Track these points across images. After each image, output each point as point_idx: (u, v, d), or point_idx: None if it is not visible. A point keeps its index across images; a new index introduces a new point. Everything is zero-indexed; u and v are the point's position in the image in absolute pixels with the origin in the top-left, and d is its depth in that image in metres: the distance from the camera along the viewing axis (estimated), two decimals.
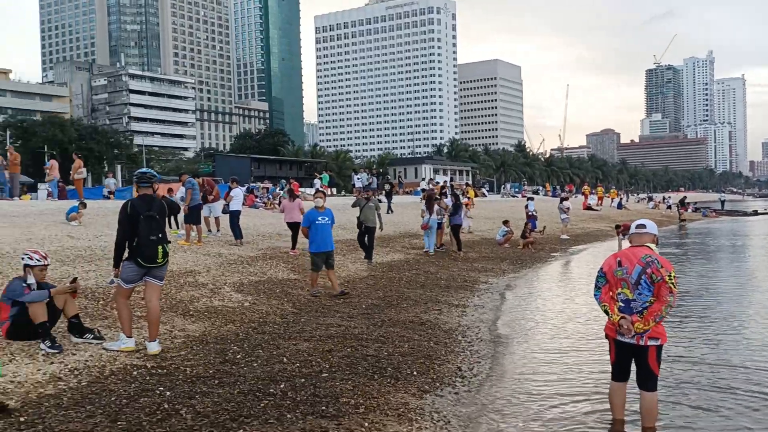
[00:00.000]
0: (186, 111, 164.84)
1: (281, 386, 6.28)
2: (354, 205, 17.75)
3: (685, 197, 50.90)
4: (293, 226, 16.67)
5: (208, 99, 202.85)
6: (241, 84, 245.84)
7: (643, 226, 5.41)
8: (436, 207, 19.80)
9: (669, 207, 55.41)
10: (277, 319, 9.63)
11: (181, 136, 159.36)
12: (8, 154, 23.78)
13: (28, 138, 74.98)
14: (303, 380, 6.51)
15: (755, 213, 60.39)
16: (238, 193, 17.72)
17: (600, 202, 56.90)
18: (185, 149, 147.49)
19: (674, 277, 5.18)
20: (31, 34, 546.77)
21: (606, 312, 5.37)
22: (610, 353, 5.55)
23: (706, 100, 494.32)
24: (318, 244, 11.84)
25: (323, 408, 5.71)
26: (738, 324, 10.53)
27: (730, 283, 15.86)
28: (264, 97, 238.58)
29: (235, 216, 17.20)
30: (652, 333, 5.23)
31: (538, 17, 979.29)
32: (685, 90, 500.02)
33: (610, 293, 5.39)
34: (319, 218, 11.95)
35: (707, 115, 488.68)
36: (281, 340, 8.28)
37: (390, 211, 30.69)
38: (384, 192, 33.91)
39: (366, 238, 16.48)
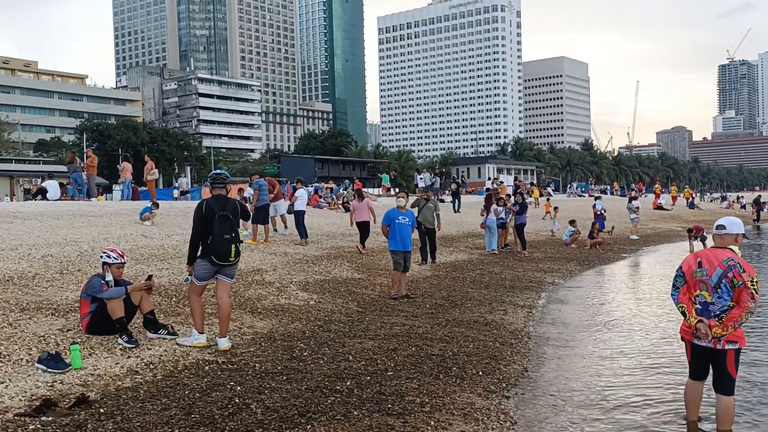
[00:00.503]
0: (252, 113, 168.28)
1: (347, 383, 6.36)
2: (413, 206, 17.49)
3: (760, 196, 48.77)
4: (362, 226, 17.16)
5: (274, 101, 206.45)
6: (306, 86, 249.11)
7: (723, 226, 5.23)
8: (494, 207, 19.60)
9: (743, 207, 53.35)
10: (342, 317, 9.75)
11: (247, 138, 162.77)
12: (86, 156, 24.76)
13: (104, 141, 77.93)
14: (369, 378, 6.58)
15: None
16: (302, 193, 17.99)
17: (673, 201, 55.28)
18: (251, 150, 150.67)
19: (756, 282, 5.00)
20: (105, 41, 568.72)
21: (683, 313, 5.23)
22: (686, 354, 5.41)
23: None
24: (397, 243, 11.85)
25: (389, 406, 5.76)
26: None
27: None
28: (327, 99, 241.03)
29: (300, 216, 17.47)
30: (730, 337, 5.08)
31: (606, 11, 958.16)
32: (760, 85, 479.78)
33: (689, 294, 5.24)
34: (400, 218, 11.99)
35: None
36: (347, 338, 8.38)
37: (457, 211, 30.66)
38: (451, 191, 33.86)
39: (426, 240, 16.15)
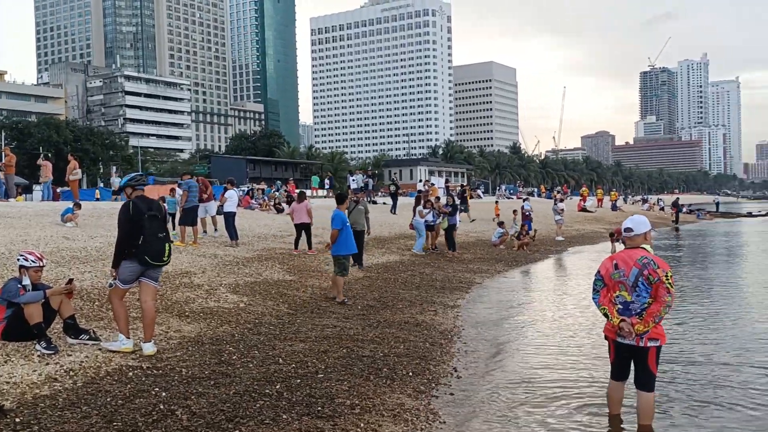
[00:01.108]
0: (181, 112, 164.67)
1: (277, 387, 6.28)
2: None
3: (678, 198, 50.87)
4: (300, 227, 17.09)
5: (204, 101, 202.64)
6: (237, 85, 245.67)
7: (630, 229, 5.42)
8: (418, 208, 19.80)
9: (662, 209, 55.57)
10: (273, 320, 9.63)
11: (176, 138, 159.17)
12: (3, 155, 23.70)
13: (24, 139, 74.75)
14: (299, 381, 6.52)
15: (750, 215, 60.67)
16: (233, 194, 17.70)
17: (600, 203, 57.04)
18: (181, 150, 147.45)
19: (671, 276, 5.21)
20: (26, 36, 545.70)
21: (606, 315, 5.38)
22: (609, 353, 5.56)
23: (701, 102, 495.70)
24: (350, 246, 11.68)
25: (319, 408, 5.72)
26: (731, 323, 10.56)
27: (724, 283, 15.92)
28: (259, 99, 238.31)
29: (230, 217, 17.18)
30: (651, 334, 5.25)
31: (534, 19, 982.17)
32: (679, 92, 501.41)
33: (609, 296, 5.40)
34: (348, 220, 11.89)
35: (701, 118, 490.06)
36: (277, 341, 8.28)
37: (394, 212, 30.81)
38: (389, 193, 33.96)
39: (356, 243, 15.93)
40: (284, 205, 29.18)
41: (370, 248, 19.25)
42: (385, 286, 13.55)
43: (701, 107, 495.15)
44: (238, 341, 8.16)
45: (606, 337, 5.54)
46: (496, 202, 40.48)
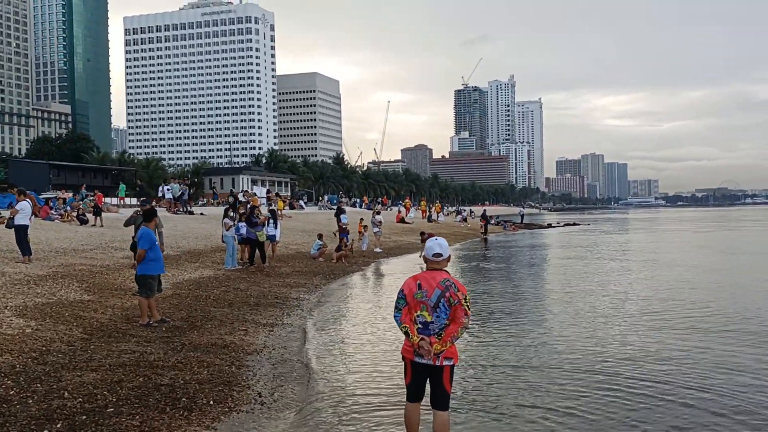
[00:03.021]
0: None
1: (58, 426, 5.68)
2: (127, 224, 13.90)
3: (485, 210, 54.16)
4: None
5: (2, 99, 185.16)
6: (40, 84, 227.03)
7: (440, 254, 5.53)
8: (224, 220, 19.21)
9: (465, 219, 58.92)
10: (63, 346, 8.79)
11: None
12: None
13: None
14: (84, 417, 5.94)
15: (550, 226, 66.21)
16: (25, 205, 16.10)
17: (423, 215, 59.20)
18: None
19: (469, 299, 5.39)
20: None
21: (406, 333, 5.42)
22: (405, 375, 5.59)
23: (509, 120, 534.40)
24: (159, 265, 10.85)
25: None
26: (535, 331, 11.26)
27: (529, 292, 17.04)
28: (66, 100, 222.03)
29: (21, 230, 15.64)
30: (447, 353, 5.37)
31: (359, 33, 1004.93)
32: (489, 110, 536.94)
33: (410, 315, 5.45)
34: (156, 238, 11.04)
35: (509, 135, 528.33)
36: (65, 371, 7.54)
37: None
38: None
39: None
40: (89, 215, 27.19)
41: (183, 263, 18.45)
42: (196, 304, 12.95)
43: (509, 125, 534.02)
44: (19, 373, 7.33)
45: (403, 358, 5.58)
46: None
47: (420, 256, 22.19)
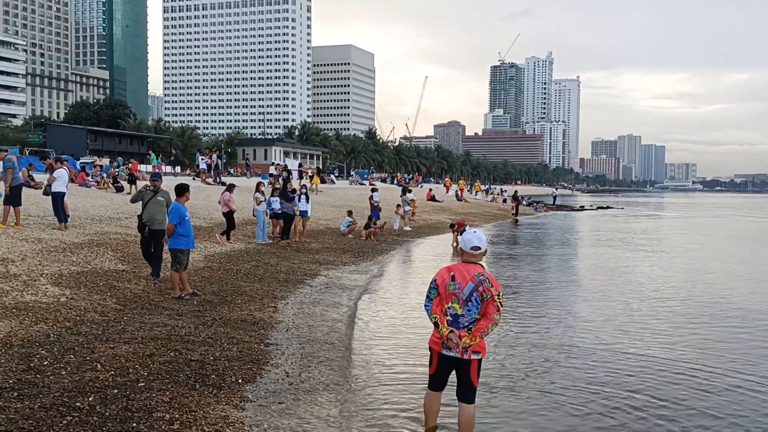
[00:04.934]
0: (15, 74, 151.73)
1: (90, 399, 5.79)
2: (134, 200, 13.09)
3: (517, 191, 53.40)
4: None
5: (42, 63, 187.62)
6: (80, 49, 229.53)
7: (479, 247, 5.47)
8: (256, 194, 19.39)
9: (505, 200, 58.27)
10: (97, 317, 8.96)
11: (8, 102, 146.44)
12: None
13: None
14: (116, 391, 6.05)
15: (582, 209, 65.40)
16: (62, 173, 16.35)
17: (461, 193, 58.76)
18: (13, 116, 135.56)
19: (501, 296, 5.34)
20: None
21: (436, 324, 5.40)
22: (430, 365, 5.61)
23: (545, 98, 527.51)
24: (189, 240, 10.90)
25: (134, 425, 5.30)
26: (558, 317, 11.19)
27: (556, 278, 16.92)
28: (105, 65, 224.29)
29: (58, 198, 15.89)
30: (475, 347, 5.35)
31: (395, 5, 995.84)
32: (526, 87, 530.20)
33: (441, 306, 5.43)
34: (187, 213, 11.03)
35: (545, 113, 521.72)
36: (98, 342, 7.69)
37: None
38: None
39: (152, 246, 12.07)
40: (124, 183, 27.58)
41: (214, 235, 18.62)
42: (227, 277, 13.10)
43: (545, 103, 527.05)
44: (53, 343, 7.49)
45: (430, 348, 5.58)
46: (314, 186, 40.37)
47: (452, 244, 22.18)
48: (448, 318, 5.37)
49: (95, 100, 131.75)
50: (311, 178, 48.12)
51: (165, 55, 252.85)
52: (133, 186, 27.30)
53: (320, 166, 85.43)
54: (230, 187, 19.18)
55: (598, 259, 21.68)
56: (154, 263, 11.98)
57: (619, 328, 10.74)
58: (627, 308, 12.59)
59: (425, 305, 5.51)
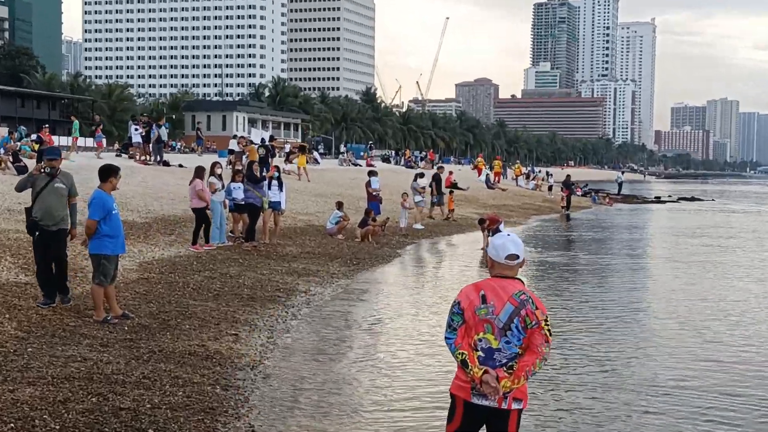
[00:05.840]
0: None
1: None
2: (21, 188, 12.04)
3: (569, 175, 52.02)
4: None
5: None
6: None
7: (517, 256, 5.37)
8: (211, 179, 18.96)
9: (550, 188, 57.93)
10: None
11: None
12: None
13: None
14: None
15: (658, 200, 65.17)
16: None
17: (497, 179, 57.98)
18: None
19: (549, 322, 5.23)
20: None
21: (463, 363, 5.22)
22: (451, 419, 5.43)
23: (607, 48, 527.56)
24: (117, 243, 10.90)
25: None
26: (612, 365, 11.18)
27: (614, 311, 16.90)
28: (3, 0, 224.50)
29: None
30: (516, 392, 5.24)
31: None
32: (581, 34, 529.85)
33: (468, 338, 5.31)
34: (115, 206, 11.04)
35: (607, 69, 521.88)
36: None
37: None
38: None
39: (48, 255, 11.32)
40: (28, 161, 27.57)
41: (153, 234, 18.64)
42: (169, 294, 13.13)
43: (607, 56, 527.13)
44: None
45: (453, 396, 5.45)
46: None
47: (482, 247, 22.01)
48: (480, 354, 5.27)
49: None
50: (287, 156, 48.02)
51: None
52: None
53: (304, 142, 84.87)
54: (199, 172, 18.63)
55: (692, 276, 21.64)
56: (57, 280, 11.43)
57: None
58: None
59: (446, 338, 5.40)
